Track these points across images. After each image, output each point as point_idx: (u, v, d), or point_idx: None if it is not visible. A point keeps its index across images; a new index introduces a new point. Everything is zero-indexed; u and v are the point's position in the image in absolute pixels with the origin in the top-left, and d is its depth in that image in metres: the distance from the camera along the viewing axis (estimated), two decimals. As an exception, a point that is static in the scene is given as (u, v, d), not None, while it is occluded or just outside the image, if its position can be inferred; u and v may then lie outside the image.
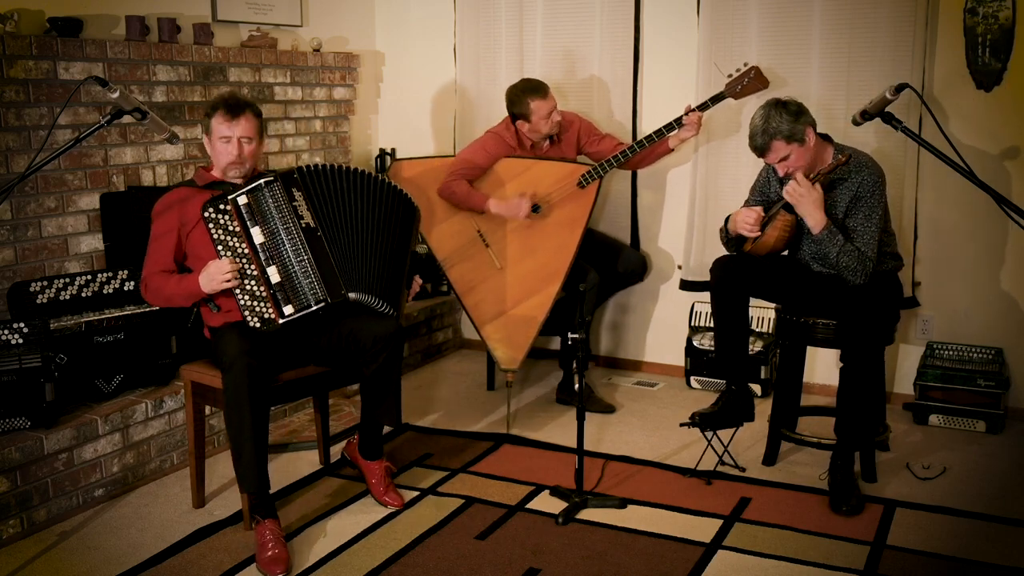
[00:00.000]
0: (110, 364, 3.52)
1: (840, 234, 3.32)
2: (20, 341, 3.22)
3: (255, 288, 3.10)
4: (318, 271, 3.14)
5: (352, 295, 3.19)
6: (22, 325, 3.23)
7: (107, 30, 3.86)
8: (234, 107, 3.13)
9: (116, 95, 2.71)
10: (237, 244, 3.09)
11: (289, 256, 3.12)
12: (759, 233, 3.46)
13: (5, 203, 3.41)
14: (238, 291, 3.08)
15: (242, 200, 3.10)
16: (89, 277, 3.62)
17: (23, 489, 3.12)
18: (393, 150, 5.32)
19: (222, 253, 3.08)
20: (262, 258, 3.10)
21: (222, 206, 3.09)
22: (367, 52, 5.26)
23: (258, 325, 3.09)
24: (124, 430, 3.45)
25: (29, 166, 2.80)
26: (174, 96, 4.04)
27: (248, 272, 3.09)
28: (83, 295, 3.59)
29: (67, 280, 3.55)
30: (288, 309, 3.11)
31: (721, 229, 3.67)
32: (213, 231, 3.08)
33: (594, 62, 4.73)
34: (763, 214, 3.47)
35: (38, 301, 3.46)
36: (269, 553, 2.93)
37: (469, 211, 4.26)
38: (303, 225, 3.14)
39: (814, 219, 3.32)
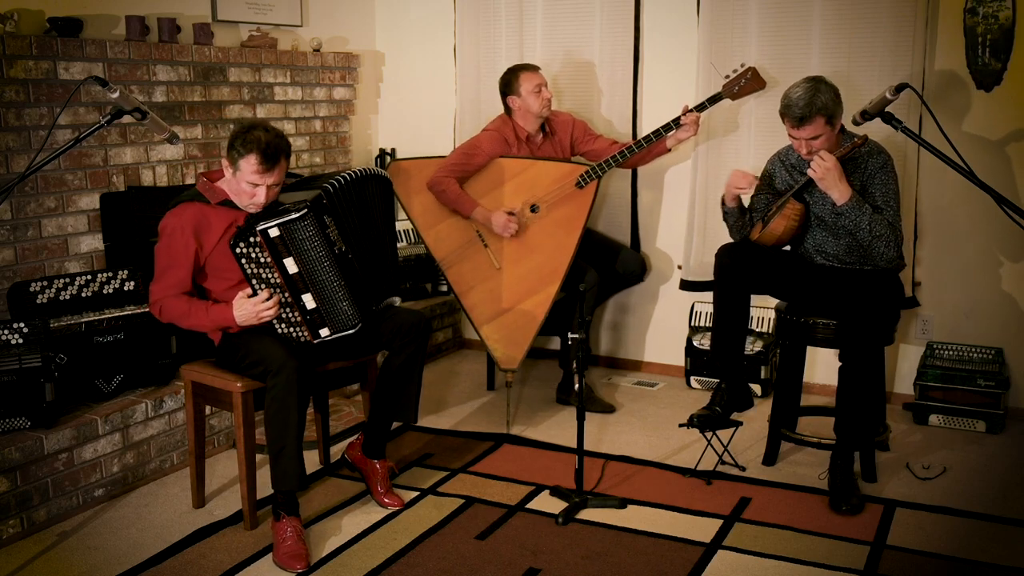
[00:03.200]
0: (110, 364, 3.52)
1: (867, 203, 3.31)
2: (20, 341, 3.22)
3: (290, 315, 3.09)
4: (352, 295, 3.13)
5: (380, 306, 3.27)
6: (22, 325, 3.23)
7: (107, 30, 3.86)
8: (271, 157, 2.99)
9: (116, 95, 2.70)
10: (269, 275, 3.03)
11: (324, 284, 3.07)
12: (749, 191, 3.46)
13: (5, 203, 3.41)
14: (274, 319, 3.09)
15: (273, 232, 2.98)
16: (89, 277, 3.62)
17: (23, 489, 3.12)
18: (393, 150, 5.32)
19: (256, 286, 3.05)
20: (297, 287, 3.05)
21: (252, 239, 2.99)
22: (367, 52, 5.27)
23: (292, 344, 3.12)
24: (124, 430, 3.45)
25: (29, 166, 2.80)
26: (174, 96, 4.04)
27: (281, 300, 3.06)
28: (83, 295, 3.59)
29: (67, 280, 3.55)
30: (324, 332, 3.11)
31: (722, 206, 3.66)
32: (246, 266, 3.03)
33: (594, 62, 4.73)
34: (757, 177, 3.47)
35: (38, 301, 3.46)
36: (289, 548, 2.95)
37: (454, 212, 4.26)
38: (336, 252, 3.09)
39: (839, 191, 3.28)
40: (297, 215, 2.99)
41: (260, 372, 3.05)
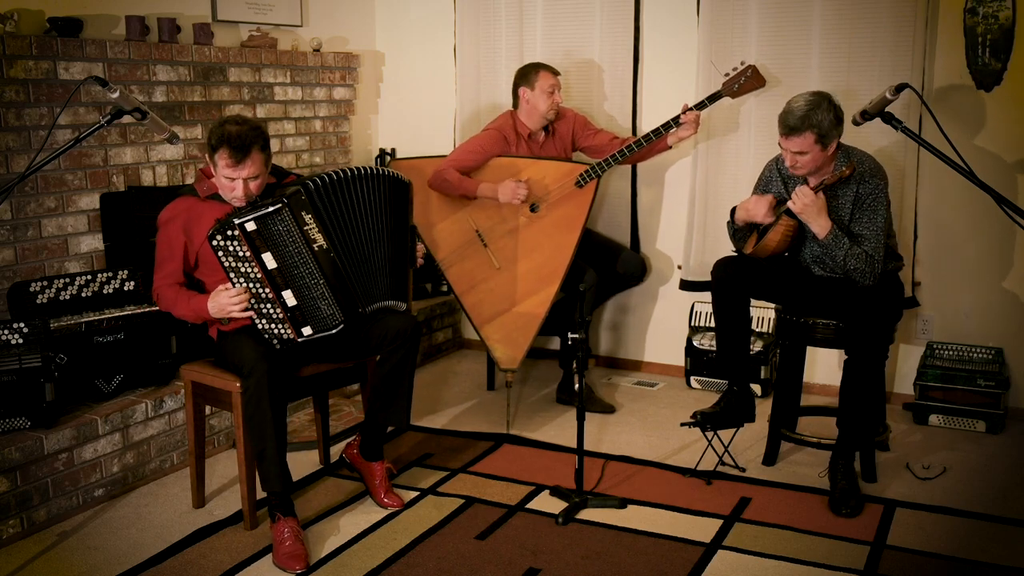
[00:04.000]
0: (110, 364, 3.52)
1: (845, 237, 3.32)
2: (20, 341, 3.22)
3: (271, 311, 3.09)
4: (334, 294, 3.12)
5: (369, 309, 3.24)
6: (22, 325, 3.23)
7: (107, 30, 3.86)
8: (239, 149, 2.95)
9: (116, 95, 2.70)
10: (249, 269, 3.04)
11: (304, 281, 3.08)
12: (773, 219, 3.45)
13: (5, 203, 3.41)
14: (254, 315, 3.08)
15: (250, 226, 2.99)
16: (89, 277, 3.62)
17: (23, 489, 3.12)
18: (393, 150, 5.32)
19: (234, 279, 3.05)
20: (277, 282, 3.05)
21: (230, 232, 3.00)
22: (367, 52, 5.26)
23: (277, 345, 3.12)
24: (124, 430, 3.45)
25: (29, 166, 2.80)
26: (174, 96, 4.04)
27: (263, 296, 3.06)
28: (83, 295, 3.59)
29: (67, 280, 3.55)
30: (307, 330, 3.11)
31: (729, 223, 3.66)
32: (223, 259, 3.03)
33: (594, 62, 4.73)
34: (775, 200, 3.47)
35: (38, 301, 3.46)
36: (287, 549, 2.95)
37: (463, 197, 4.25)
38: (316, 248, 3.08)
39: (819, 226, 3.31)
40: (272, 209, 3.01)
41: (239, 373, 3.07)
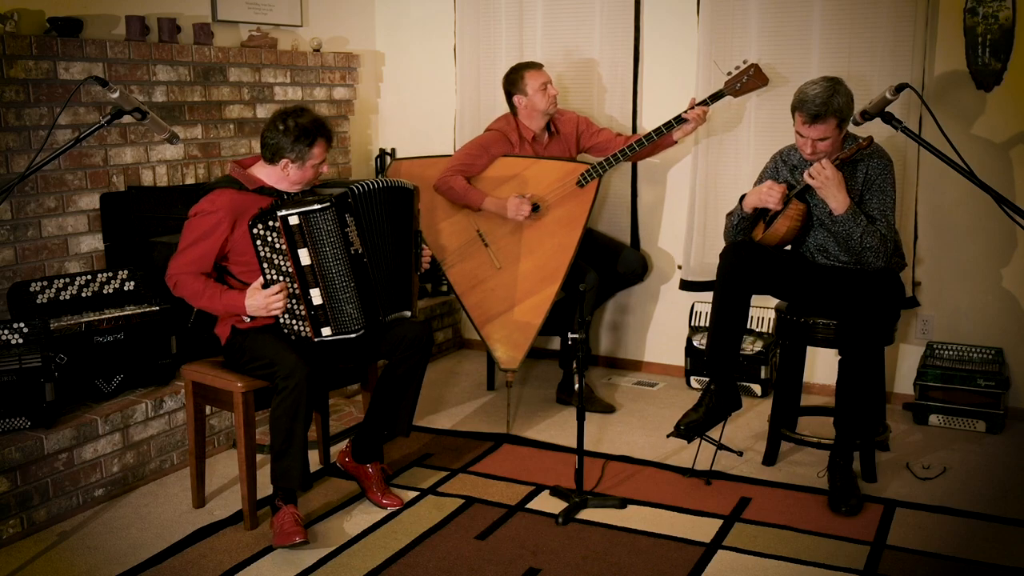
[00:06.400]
0: (110, 364, 3.52)
1: (863, 215, 3.31)
2: (20, 341, 3.22)
3: (295, 307, 3.10)
4: (360, 299, 3.14)
5: (388, 318, 3.26)
6: (22, 325, 3.23)
7: (107, 30, 3.86)
8: (330, 134, 3.17)
9: (116, 95, 2.71)
10: (282, 262, 3.05)
11: (334, 282, 3.09)
12: (782, 207, 3.45)
13: (5, 203, 3.41)
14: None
15: (293, 220, 3.00)
16: (89, 277, 3.62)
17: (23, 489, 3.13)
18: (393, 150, 5.32)
19: (267, 271, 3.06)
20: (307, 279, 3.06)
21: (271, 223, 3.01)
22: (367, 52, 5.26)
23: (293, 340, 3.13)
24: (124, 430, 3.45)
25: (29, 166, 2.80)
26: (174, 96, 4.04)
27: (290, 291, 3.07)
28: (83, 295, 3.59)
29: (67, 280, 3.55)
30: (326, 331, 3.12)
31: (729, 214, 3.63)
32: (260, 248, 3.04)
33: (594, 62, 4.73)
34: (787, 191, 3.45)
35: (38, 301, 3.46)
36: (287, 527, 2.99)
37: (466, 207, 4.25)
38: (352, 252, 3.11)
39: (838, 201, 3.28)
40: (320, 207, 3.02)
41: (270, 373, 3.05)
